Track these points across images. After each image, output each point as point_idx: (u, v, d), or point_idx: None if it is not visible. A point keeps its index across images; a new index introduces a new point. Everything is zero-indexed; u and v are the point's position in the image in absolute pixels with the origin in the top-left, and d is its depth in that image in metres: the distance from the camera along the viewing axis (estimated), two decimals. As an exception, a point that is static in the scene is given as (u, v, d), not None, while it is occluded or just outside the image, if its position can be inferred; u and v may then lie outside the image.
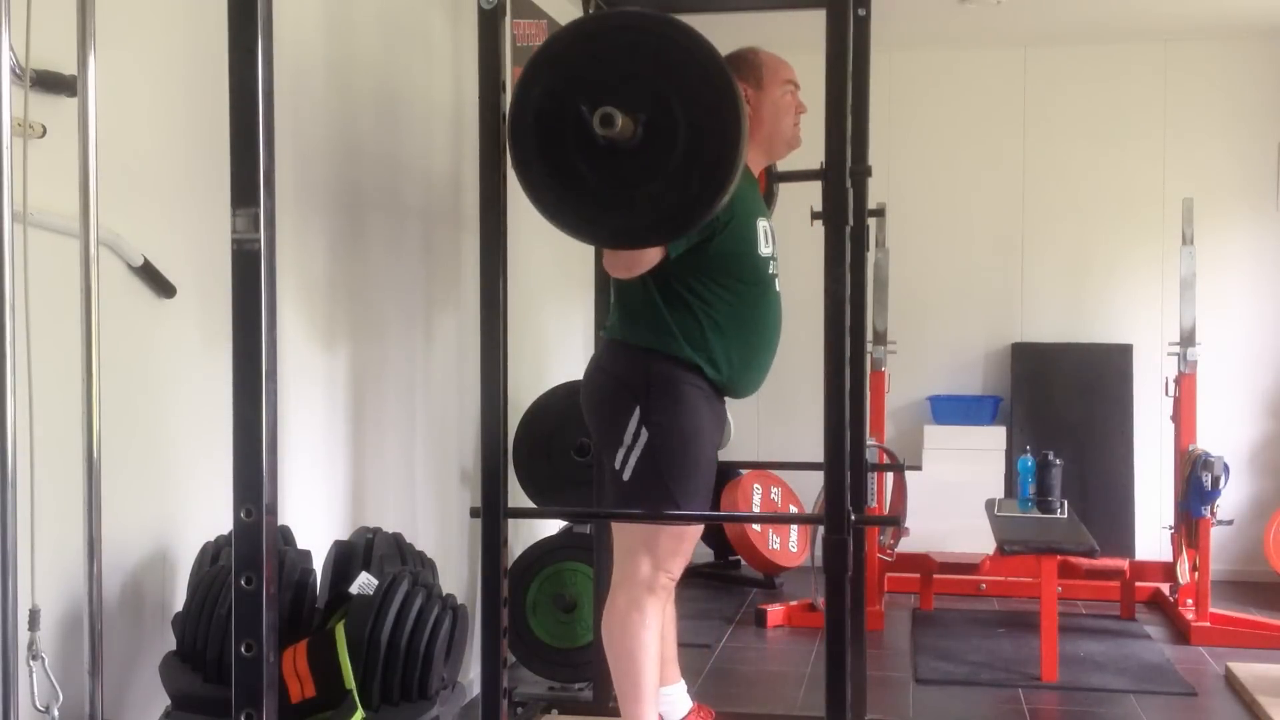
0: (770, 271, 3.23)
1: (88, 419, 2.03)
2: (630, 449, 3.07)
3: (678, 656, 3.60)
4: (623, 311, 3.20)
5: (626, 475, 3.08)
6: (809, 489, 6.02)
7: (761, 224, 3.20)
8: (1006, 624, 5.50)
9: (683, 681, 3.59)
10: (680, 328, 3.08)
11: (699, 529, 3.57)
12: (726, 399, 3.26)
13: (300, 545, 2.71)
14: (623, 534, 3.21)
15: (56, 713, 2.00)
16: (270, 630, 1.72)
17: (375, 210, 3.67)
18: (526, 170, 2.66)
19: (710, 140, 2.53)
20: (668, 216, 2.63)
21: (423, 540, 3.65)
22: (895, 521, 5.63)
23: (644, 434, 3.05)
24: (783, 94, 3.33)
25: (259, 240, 1.69)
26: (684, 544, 3.19)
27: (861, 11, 3.51)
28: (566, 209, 2.67)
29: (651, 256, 3.02)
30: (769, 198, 3.64)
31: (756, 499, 6.19)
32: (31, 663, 1.95)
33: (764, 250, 3.19)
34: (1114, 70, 6.67)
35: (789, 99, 3.34)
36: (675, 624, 3.59)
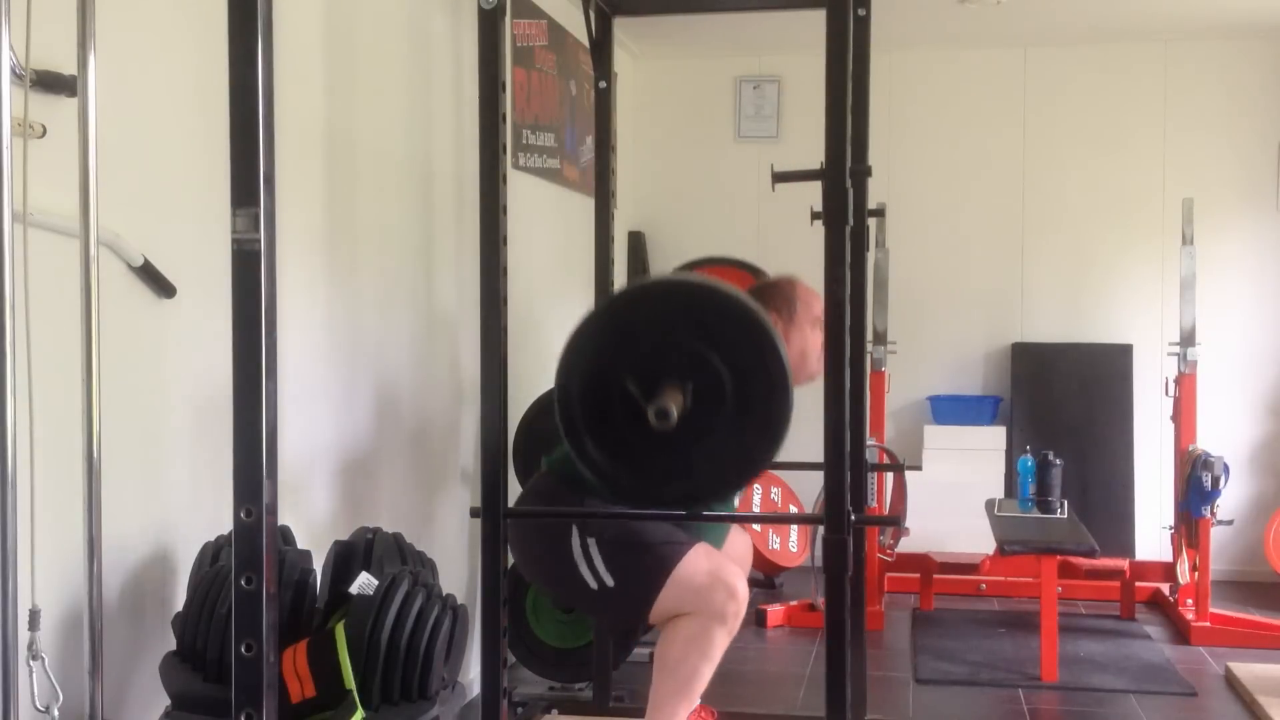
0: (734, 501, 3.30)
1: (88, 419, 2.03)
2: (591, 560, 3.02)
3: None
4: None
5: (611, 581, 3.03)
6: (809, 489, 6.02)
7: None
8: (1006, 624, 5.50)
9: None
10: None
11: (743, 554, 3.55)
12: None
13: (300, 545, 2.71)
14: (674, 609, 3.07)
15: (56, 713, 2.00)
16: (270, 630, 1.72)
17: (374, 209, 3.67)
18: (582, 449, 2.61)
19: (759, 394, 2.52)
20: (728, 476, 2.64)
21: (423, 540, 3.65)
22: (895, 521, 5.63)
23: (591, 543, 3.00)
24: (813, 330, 3.33)
25: (259, 240, 1.68)
26: (729, 567, 3.10)
27: (861, 11, 3.50)
28: (625, 484, 2.65)
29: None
30: None
31: (756, 499, 6.19)
32: (31, 663, 1.95)
33: None
34: (1114, 70, 6.67)
35: (816, 336, 3.32)
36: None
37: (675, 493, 2.67)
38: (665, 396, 2.44)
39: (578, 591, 3.11)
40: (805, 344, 3.32)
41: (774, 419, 2.53)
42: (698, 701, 3.27)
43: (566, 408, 2.60)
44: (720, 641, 3.06)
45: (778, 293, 3.38)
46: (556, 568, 3.08)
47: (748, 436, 2.54)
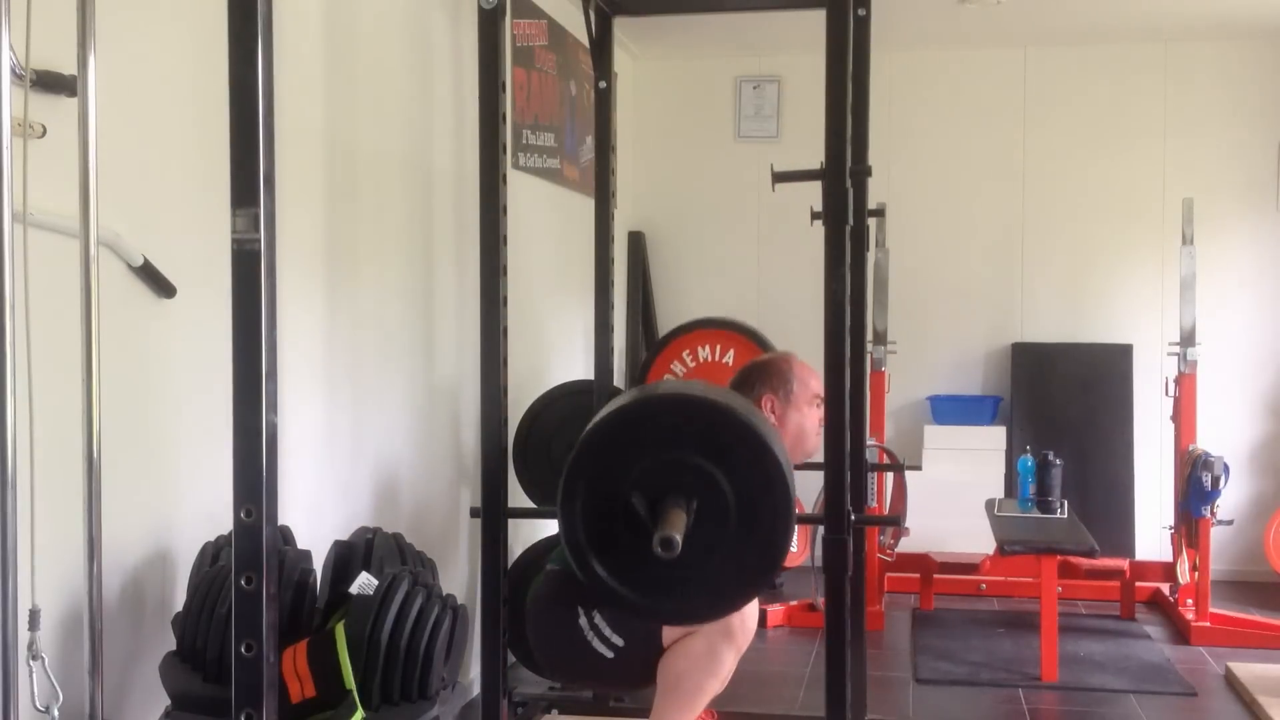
0: None
1: (88, 419, 2.03)
2: (600, 631, 2.99)
3: None
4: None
5: (621, 641, 2.99)
6: (809, 489, 6.02)
7: None
8: (1006, 624, 5.50)
9: None
10: None
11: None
12: None
13: (300, 545, 2.71)
14: (684, 631, 3.04)
15: (56, 713, 2.00)
16: (270, 630, 1.71)
17: (374, 209, 3.67)
18: (580, 558, 2.63)
19: (762, 518, 2.54)
20: (723, 599, 2.67)
21: (423, 540, 3.65)
22: (895, 521, 5.63)
23: (596, 615, 2.97)
24: (810, 408, 3.34)
25: (259, 240, 1.68)
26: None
27: (861, 11, 3.51)
28: (623, 595, 2.66)
29: None
30: None
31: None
32: (31, 663, 1.95)
33: None
34: (1114, 70, 6.67)
35: (814, 414, 3.34)
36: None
37: (679, 609, 2.70)
38: (669, 523, 2.45)
39: (597, 667, 3.07)
40: (803, 422, 3.34)
41: (776, 542, 2.56)
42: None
43: (571, 526, 2.62)
44: (728, 660, 3.02)
45: (774, 371, 3.37)
46: (573, 653, 3.03)
47: (749, 556, 2.56)
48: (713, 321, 4.93)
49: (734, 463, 2.54)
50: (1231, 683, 4.61)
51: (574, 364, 5.41)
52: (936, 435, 6.69)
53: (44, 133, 2.20)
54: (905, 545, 5.95)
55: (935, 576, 5.85)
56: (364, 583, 2.50)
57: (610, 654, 3.00)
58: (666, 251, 6.96)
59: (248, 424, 1.71)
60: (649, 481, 2.54)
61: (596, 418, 2.68)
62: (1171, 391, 5.49)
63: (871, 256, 5.22)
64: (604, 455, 2.62)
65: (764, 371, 3.37)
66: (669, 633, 3.01)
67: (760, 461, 2.54)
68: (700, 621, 2.87)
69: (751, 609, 3.02)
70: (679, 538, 2.43)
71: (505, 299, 2.82)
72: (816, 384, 3.32)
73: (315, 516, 3.30)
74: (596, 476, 2.60)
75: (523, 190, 4.70)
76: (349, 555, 2.69)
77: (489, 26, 2.78)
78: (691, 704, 3.05)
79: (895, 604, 5.86)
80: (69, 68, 2.11)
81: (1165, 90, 6.62)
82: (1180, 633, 5.35)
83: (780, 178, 3.50)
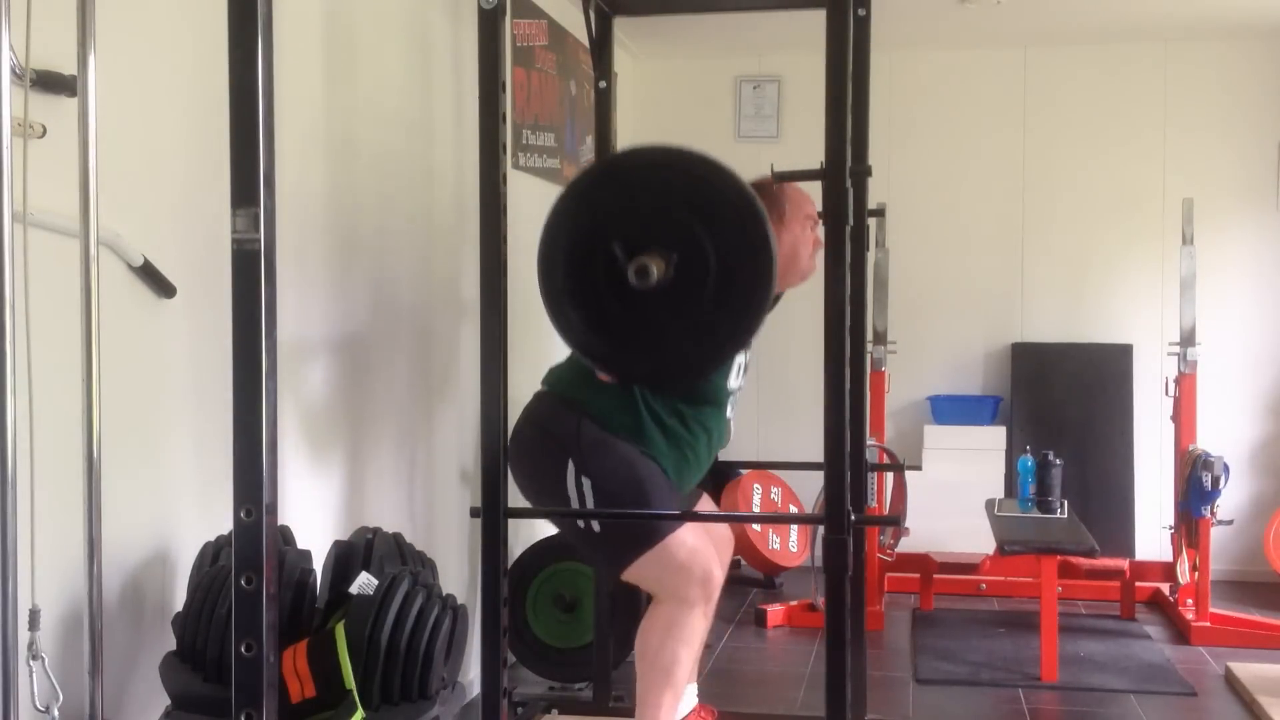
0: (730, 399, 3.26)
1: (88, 419, 2.03)
2: (583, 501, 3.03)
3: (699, 657, 3.59)
4: (569, 371, 3.19)
5: (596, 527, 3.05)
6: (809, 489, 6.02)
7: (739, 358, 3.22)
8: (1006, 624, 5.50)
9: (694, 683, 3.59)
10: (618, 407, 3.07)
11: (725, 536, 3.54)
12: None
13: (300, 545, 2.71)
14: (643, 577, 3.14)
15: (56, 713, 2.00)
16: (270, 630, 1.71)
17: (375, 209, 3.68)
18: (558, 309, 2.63)
19: (741, 279, 2.52)
20: (697, 359, 2.63)
21: (423, 540, 3.65)
22: (895, 521, 5.63)
23: (586, 483, 3.01)
24: (804, 229, 3.35)
25: (259, 240, 1.68)
26: (707, 553, 3.11)
27: (861, 11, 3.50)
28: (594, 346, 2.66)
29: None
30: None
31: (756, 499, 6.19)
32: (31, 663, 1.95)
33: (731, 383, 3.22)
34: (1114, 70, 6.67)
35: (809, 234, 3.36)
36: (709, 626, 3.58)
37: (645, 366, 2.68)
38: (647, 257, 2.44)
39: (563, 522, 3.15)
40: (796, 244, 3.35)
41: (752, 306, 2.53)
42: (685, 691, 3.28)
43: (549, 265, 2.62)
44: (697, 625, 3.09)
45: (764, 194, 3.38)
46: (549, 494, 3.09)
47: (724, 319, 2.54)
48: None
49: (720, 223, 2.51)
50: (1231, 683, 4.61)
51: (574, 364, 5.41)
52: (936, 435, 6.69)
53: (44, 133, 2.20)
54: (905, 545, 5.95)
55: (935, 576, 5.85)
56: (364, 583, 2.50)
57: (581, 525, 3.07)
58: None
59: (247, 423, 1.71)
60: (631, 232, 2.51)
61: (586, 168, 2.67)
62: (1171, 391, 5.49)
63: (871, 256, 5.22)
64: (588, 202, 2.62)
65: (758, 193, 3.38)
66: (632, 572, 3.09)
67: (747, 226, 2.52)
68: (662, 387, 2.90)
69: (717, 577, 3.08)
70: (655, 268, 2.42)
71: (505, 298, 2.82)
72: (809, 206, 3.33)
73: (315, 516, 3.30)
74: (579, 224, 2.59)
75: (523, 190, 4.69)
76: (349, 555, 2.69)
77: (489, 26, 2.78)
78: (671, 676, 3.10)
79: (895, 604, 5.86)
80: (69, 68, 2.11)
81: (1165, 90, 6.62)
82: (1180, 633, 5.35)
83: (780, 178, 3.50)
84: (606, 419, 3.07)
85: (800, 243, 3.35)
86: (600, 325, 2.61)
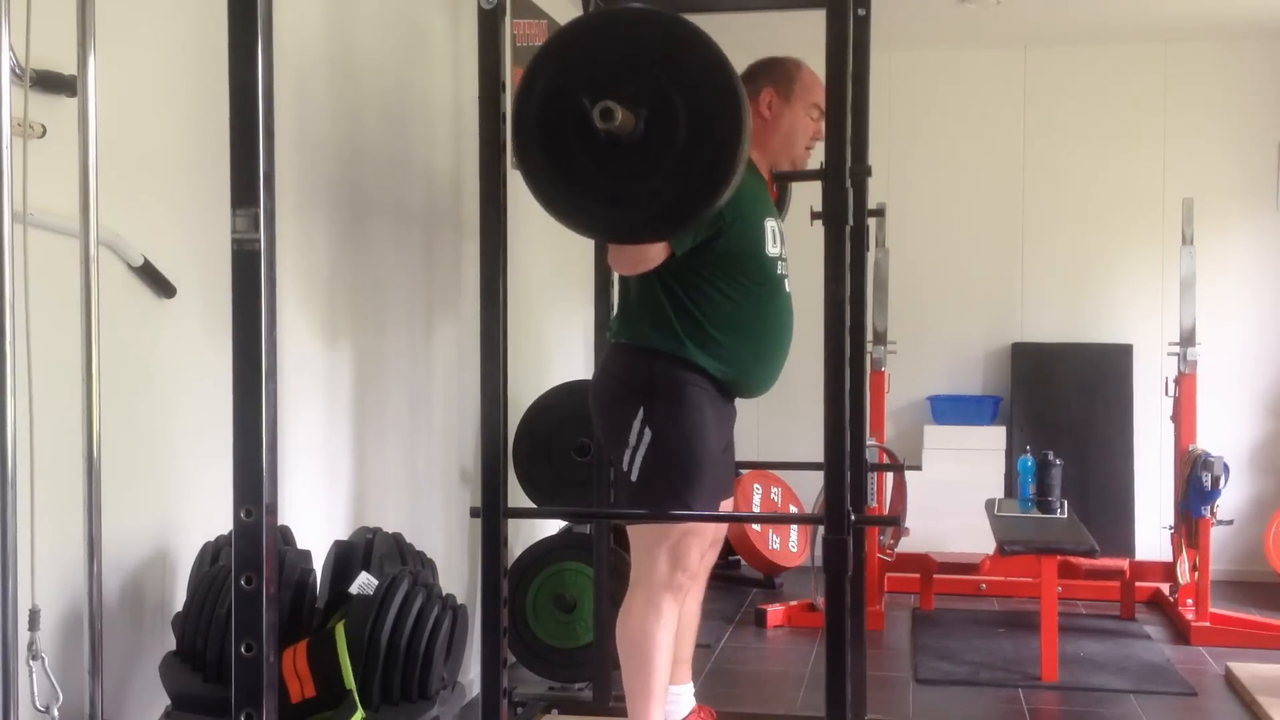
0: (779, 272, 3.24)
1: (88, 419, 2.02)
2: (635, 449, 3.07)
3: (691, 658, 3.61)
4: (626, 314, 3.21)
5: (634, 476, 3.10)
6: (809, 489, 6.02)
7: (770, 224, 3.21)
8: (1006, 624, 5.50)
9: (691, 683, 3.60)
10: (684, 329, 3.09)
11: (721, 525, 3.56)
12: (736, 399, 3.26)
13: (300, 545, 2.71)
14: (638, 535, 3.20)
15: (56, 713, 2.00)
16: (270, 630, 1.71)
17: (376, 210, 3.67)
18: (527, 160, 2.65)
19: (710, 138, 2.52)
20: (664, 213, 2.63)
21: (423, 540, 3.65)
22: (895, 521, 5.63)
23: (647, 434, 3.06)
24: (805, 113, 3.35)
25: (259, 240, 1.68)
26: (701, 540, 3.18)
27: (861, 11, 3.51)
28: (565, 201, 2.67)
29: (656, 254, 3.02)
30: (781, 201, 3.64)
31: (756, 499, 6.19)
32: (31, 663, 1.95)
33: (771, 250, 3.19)
34: (1114, 70, 6.67)
35: (808, 122, 3.36)
36: (698, 624, 3.59)
37: (612, 217, 2.69)
38: (614, 106, 2.44)
39: (614, 459, 3.24)
40: (795, 125, 3.35)
41: (720, 168, 2.53)
42: (671, 678, 3.30)
43: (522, 117, 2.62)
44: (669, 608, 3.14)
45: (780, 68, 3.38)
46: (614, 432, 3.16)
47: (692, 180, 2.55)
48: None
49: (693, 84, 2.52)
50: (1231, 683, 4.61)
51: (574, 364, 5.41)
52: (936, 435, 6.69)
53: (44, 133, 2.20)
54: (905, 545, 5.95)
55: (935, 576, 5.85)
56: (364, 583, 2.50)
57: (624, 467, 3.13)
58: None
59: (248, 424, 1.71)
60: (602, 87, 2.51)
61: (558, 29, 2.69)
62: (1171, 391, 5.49)
63: (871, 256, 5.23)
64: (563, 56, 2.62)
65: (770, 66, 3.39)
66: (636, 532, 3.18)
67: (719, 87, 2.52)
68: (635, 240, 2.92)
69: (686, 547, 3.13)
70: (619, 113, 2.43)
71: (505, 298, 2.82)
72: (819, 94, 3.30)
73: (315, 516, 3.30)
74: (551, 82, 2.59)
75: (523, 190, 4.69)
76: (349, 555, 2.69)
77: (489, 26, 2.78)
78: (653, 662, 3.15)
79: (895, 604, 5.86)
80: (69, 68, 2.11)
81: (1165, 90, 6.62)
82: (1180, 633, 5.35)
83: (780, 178, 3.51)
84: (675, 347, 3.09)
85: (799, 127, 3.35)
86: (572, 180, 2.63)
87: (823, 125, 3.32)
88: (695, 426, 3.07)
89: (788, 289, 3.28)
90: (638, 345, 3.15)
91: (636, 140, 2.53)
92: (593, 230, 2.93)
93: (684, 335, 3.09)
